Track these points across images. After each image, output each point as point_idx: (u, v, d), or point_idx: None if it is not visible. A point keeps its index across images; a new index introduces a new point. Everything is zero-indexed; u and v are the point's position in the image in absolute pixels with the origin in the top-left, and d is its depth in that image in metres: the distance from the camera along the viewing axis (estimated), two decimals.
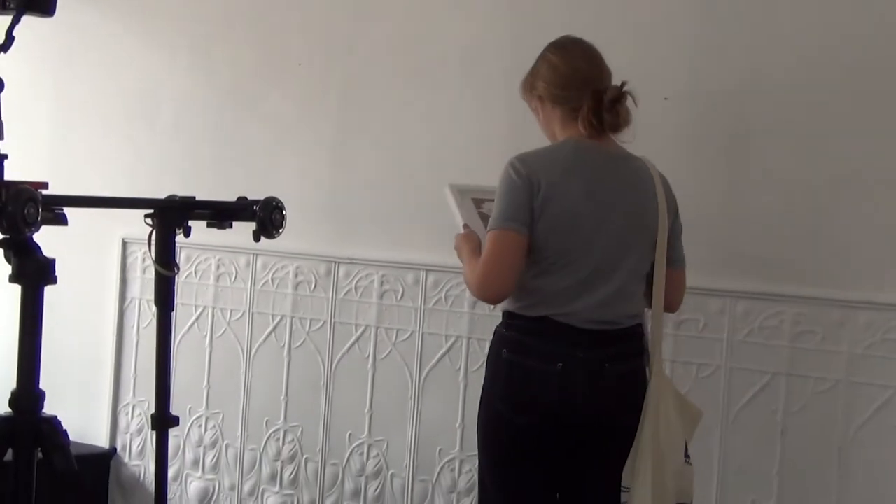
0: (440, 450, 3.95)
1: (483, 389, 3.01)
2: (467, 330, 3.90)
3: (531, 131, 3.74)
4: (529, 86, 3.07)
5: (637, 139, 3.00)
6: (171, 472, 4.36)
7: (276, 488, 4.27)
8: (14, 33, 2.44)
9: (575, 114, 2.95)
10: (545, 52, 3.07)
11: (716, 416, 3.49)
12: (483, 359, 3.69)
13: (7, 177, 2.46)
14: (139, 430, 4.59)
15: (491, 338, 3.01)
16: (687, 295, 3.40)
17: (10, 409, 2.58)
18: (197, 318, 4.44)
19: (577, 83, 2.96)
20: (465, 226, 3.10)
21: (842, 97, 3.34)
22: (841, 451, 3.35)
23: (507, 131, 3.84)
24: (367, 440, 4.10)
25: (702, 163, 3.32)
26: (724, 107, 3.51)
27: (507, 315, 2.96)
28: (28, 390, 2.56)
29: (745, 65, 3.48)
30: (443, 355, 3.95)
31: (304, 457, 4.22)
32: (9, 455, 2.59)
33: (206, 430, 4.42)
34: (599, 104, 2.90)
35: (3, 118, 2.49)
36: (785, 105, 3.42)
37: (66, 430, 2.64)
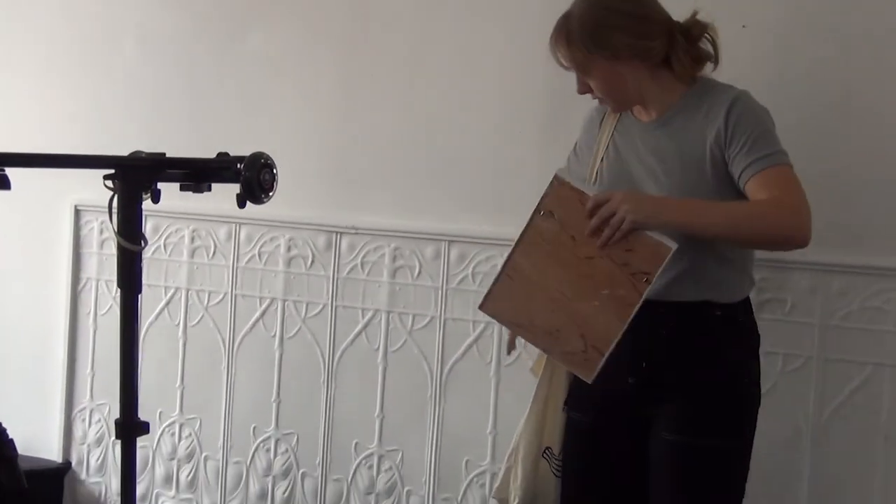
0: (467, 461, 3.98)
1: (746, 390, 3.11)
2: None
3: (564, 79, 3.74)
4: (596, 43, 3.08)
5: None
6: (138, 491, 4.38)
7: None
8: None
9: (661, 61, 3.09)
10: (608, 10, 3.11)
11: (806, 417, 3.51)
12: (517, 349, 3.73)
13: None
14: (98, 440, 4.63)
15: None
16: (769, 268, 3.42)
17: None
18: (168, 303, 4.46)
19: (661, 28, 3.10)
20: (595, 196, 3.00)
21: None
22: None
23: (546, 69, 3.82)
24: (377, 450, 4.13)
25: (784, 103, 3.31)
26: (813, 39, 3.50)
27: (747, 302, 3.14)
28: None
29: None
30: (470, 346, 3.97)
31: (301, 471, 4.25)
32: None
33: (180, 439, 4.45)
34: (693, 42, 3.11)
35: None
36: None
37: (12, 440, 2.65)
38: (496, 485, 3.34)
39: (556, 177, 2.99)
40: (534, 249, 3.01)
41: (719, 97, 3.06)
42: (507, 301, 3.03)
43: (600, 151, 3.22)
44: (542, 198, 3.00)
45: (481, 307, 3.07)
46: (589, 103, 3.35)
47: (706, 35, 3.12)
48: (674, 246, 2.86)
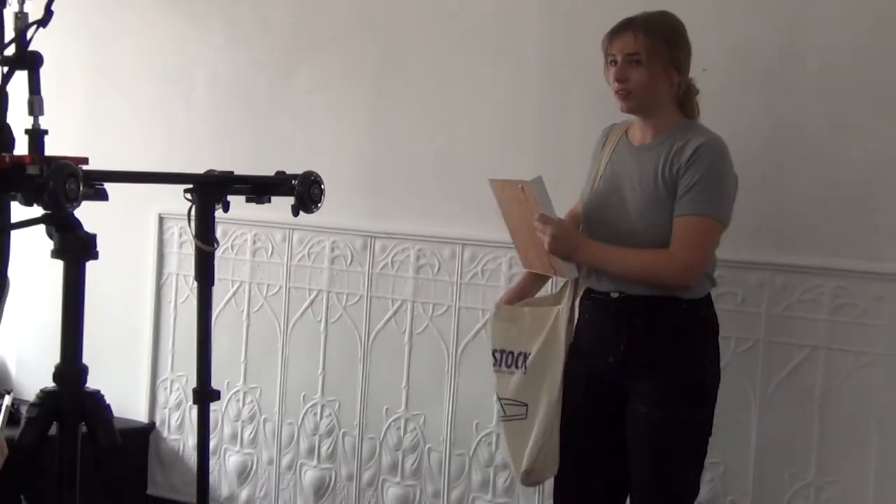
0: (477, 424, 3.97)
1: (707, 370, 3.14)
2: None
3: (564, 102, 3.76)
4: (670, 56, 3.09)
5: None
6: (210, 447, 4.38)
7: (314, 462, 4.30)
8: (52, 7, 2.45)
9: (675, 95, 3.14)
10: (683, 29, 3.13)
11: (754, 390, 3.50)
12: None
13: (47, 152, 2.48)
14: (178, 405, 4.63)
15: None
16: (725, 268, 3.42)
17: (54, 384, 2.62)
18: (234, 294, 4.47)
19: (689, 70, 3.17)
20: (543, 216, 3.10)
21: (885, 69, 3.33)
22: (881, 423, 3.34)
23: (541, 103, 3.85)
24: (404, 414, 4.13)
25: (740, 135, 3.31)
26: (764, 78, 3.50)
27: (708, 298, 3.16)
28: (72, 365, 2.59)
29: (784, 35, 3.47)
30: (479, 329, 3.95)
31: (342, 431, 4.25)
32: (54, 429, 2.63)
33: (244, 404, 4.45)
34: (694, 93, 3.19)
35: (41, 94, 2.51)
36: (824, 77, 3.41)
37: (109, 405, 2.67)
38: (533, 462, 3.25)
39: (534, 181, 3.11)
40: (507, 192, 3.27)
41: (696, 137, 3.05)
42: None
43: (601, 167, 3.22)
44: (522, 182, 3.16)
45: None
46: (580, 128, 3.35)
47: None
48: (570, 277, 3.17)
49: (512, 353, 3.25)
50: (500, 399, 3.29)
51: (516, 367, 3.24)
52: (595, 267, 3.12)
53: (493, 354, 3.31)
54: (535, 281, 3.42)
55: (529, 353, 3.23)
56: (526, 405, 3.22)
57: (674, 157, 3.04)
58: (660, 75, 3.07)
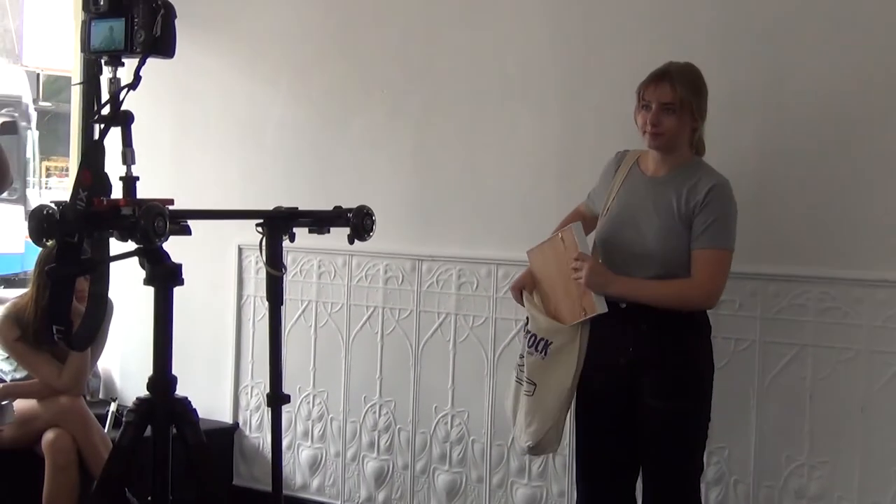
0: None
1: (703, 366, 3.14)
2: None
3: (581, 140, 3.76)
4: (698, 106, 3.08)
5: None
6: (284, 443, 4.41)
7: (375, 454, 4.30)
8: (141, 73, 2.49)
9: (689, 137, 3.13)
10: (703, 79, 3.12)
11: (752, 384, 3.48)
12: None
13: (139, 195, 2.51)
14: (257, 407, 4.64)
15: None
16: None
17: (148, 392, 2.64)
18: (303, 311, 4.48)
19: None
20: (581, 254, 3.10)
21: (864, 97, 3.31)
22: (864, 411, 3.31)
23: (562, 140, 3.85)
24: (450, 411, 4.12)
25: (734, 163, 3.29)
26: (753, 111, 3.49)
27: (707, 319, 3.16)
28: (163, 375, 2.62)
29: (771, 59, 3.46)
30: (513, 337, 3.94)
31: (397, 426, 4.25)
32: (148, 431, 2.65)
33: (313, 405, 4.46)
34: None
35: (133, 146, 2.55)
36: (807, 110, 3.39)
37: (195, 409, 2.69)
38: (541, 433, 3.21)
39: (573, 226, 3.12)
40: (545, 252, 3.22)
41: (707, 178, 3.06)
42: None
43: (612, 193, 3.20)
44: (561, 231, 3.16)
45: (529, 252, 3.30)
46: (593, 162, 3.36)
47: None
48: (602, 310, 3.06)
49: (535, 335, 3.18)
50: (526, 377, 3.21)
51: (536, 350, 3.17)
52: (626, 298, 3.08)
53: (526, 332, 3.24)
54: None
55: (552, 343, 3.16)
56: (535, 385, 3.16)
57: (689, 195, 3.04)
58: (687, 123, 3.07)
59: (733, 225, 3.07)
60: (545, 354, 3.16)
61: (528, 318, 3.24)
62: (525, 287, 3.27)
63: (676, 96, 3.02)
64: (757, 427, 3.48)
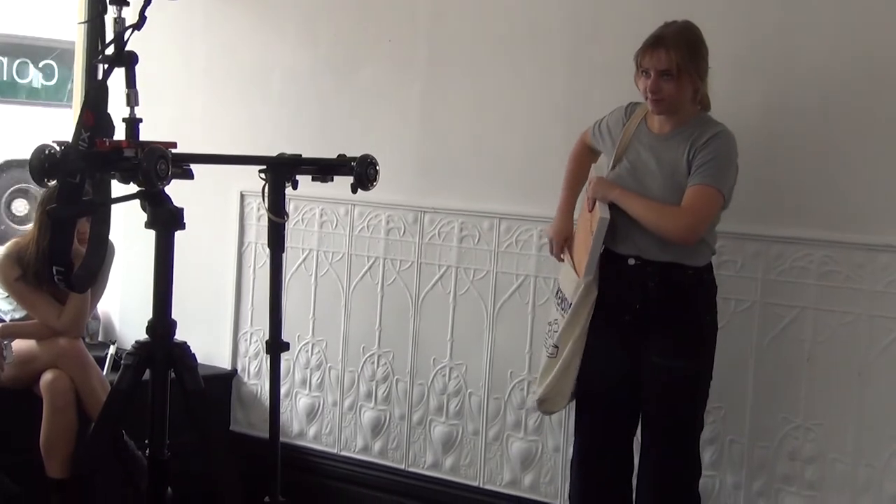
0: (511, 372, 3.96)
1: (708, 326, 3.17)
2: (535, 269, 3.89)
3: (586, 95, 3.74)
4: (696, 69, 3.07)
5: None
6: (282, 391, 4.42)
7: (372, 404, 4.31)
8: (146, 14, 2.46)
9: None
10: (703, 38, 3.09)
11: (751, 345, 3.48)
12: (548, 294, 3.73)
13: (141, 138, 2.50)
14: (256, 355, 4.64)
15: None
16: (727, 239, 3.41)
17: (147, 336, 2.64)
18: (304, 260, 4.46)
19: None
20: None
21: (871, 65, 3.28)
22: (861, 375, 3.32)
23: (567, 95, 3.82)
24: (448, 363, 4.12)
25: (742, 123, 3.27)
26: (764, 70, 3.46)
27: (709, 265, 3.17)
28: (162, 320, 2.62)
29: (779, 15, 3.43)
30: (513, 291, 3.94)
31: (395, 378, 4.25)
32: (146, 375, 2.66)
33: (312, 354, 4.46)
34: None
35: (137, 87, 2.53)
36: (817, 71, 3.37)
37: (194, 354, 2.69)
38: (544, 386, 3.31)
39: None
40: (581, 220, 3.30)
41: (713, 128, 3.07)
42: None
43: (621, 145, 3.20)
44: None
45: None
46: (598, 117, 3.34)
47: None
48: (604, 215, 3.09)
49: (562, 293, 3.29)
50: (554, 335, 3.29)
51: (562, 309, 3.27)
52: (623, 203, 3.10)
53: (558, 297, 3.35)
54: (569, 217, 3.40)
55: (571, 303, 3.22)
56: (557, 347, 3.23)
57: (692, 144, 3.06)
58: (687, 86, 3.07)
59: (729, 171, 3.06)
60: (564, 314, 3.24)
61: (557, 284, 3.32)
62: (567, 238, 3.34)
63: (673, 63, 3.02)
64: (754, 388, 3.49)
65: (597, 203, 3.16)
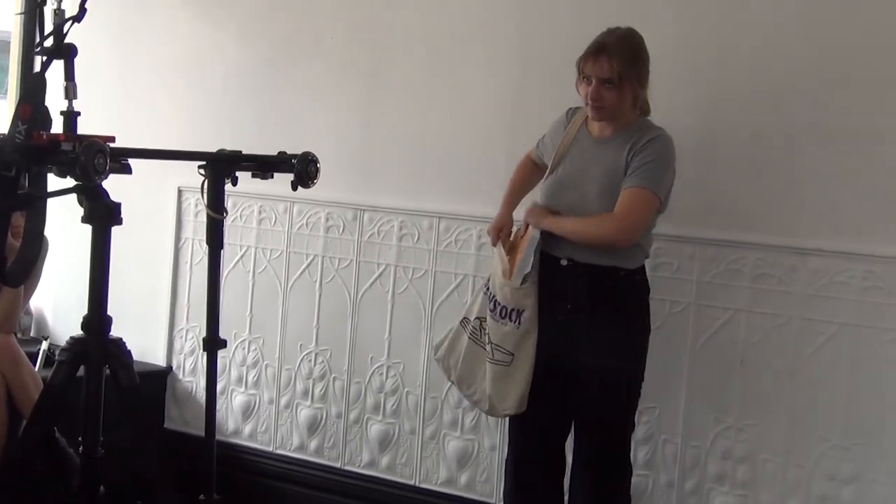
0: None
1: (640, 328, 3.17)
2: (474, 269, 3.90)
3: (532, 97, 3.76)
4: (637, 77, 3.09)
5: None
6: (218, 388, 4.37)
7: (308, 402, 4.30)
8: (86, 6, 2.43)
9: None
10: (645, 46, 3.11)
11: (685, 346, 3.52)
12: None
13: (79, 131, 2.46)
14: (191, 352, 4.61)
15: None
16: (663, 241, 3.44)
17: (82, 332, 2.61)
18: (241, 257, 4.44)
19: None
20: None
21: (804, 68, 3.33)
22: (792, 377, 3.37)
23: (514, 97, 3.84)
24: (386, 362, 4.12)
25: (679, 126, 3.31)
26: (699, 74, 3.50)
27: (642, 268, 3.18)
28: (98, 315, 2.59)
29: (721, 35, 3.48)
30: (452, 291, 3.95)
31: (333, 376, 4.24)
32: (81, 371, 2.62)
33: (248, 352, 4.44)
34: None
35: (76, 80, 2.49)
36: (752, 76, 3.41)
37: (130, 351, 2.66)
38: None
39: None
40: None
41: (649, 132, 3.08)
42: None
43: (562, 148, 3.21)
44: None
45: None
46: (542, 120, 3.36)
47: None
48: (535, 234, 3.16)
49: (506, 307, 3.19)
50: (490, 342, 3.23)
51: (510, 320, 3.18)
52: (554, 229, 3.12)
53: (492, 301, 3.25)
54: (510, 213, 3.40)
55: (524, 311, 3.17)
56: (513, 355, 3.18)
57: (631, 148, 3.07)
58: (628, 94, 3.08)
59: (666, 174, 3.09)
60: (519, 324, 3.18)
61: (489, 280, 3.27)
62: (503, 229, 3.31)
63: (615, 71, 3.03)
64: (687, 388, 3.53)
65: (529, 227, 3.21)
